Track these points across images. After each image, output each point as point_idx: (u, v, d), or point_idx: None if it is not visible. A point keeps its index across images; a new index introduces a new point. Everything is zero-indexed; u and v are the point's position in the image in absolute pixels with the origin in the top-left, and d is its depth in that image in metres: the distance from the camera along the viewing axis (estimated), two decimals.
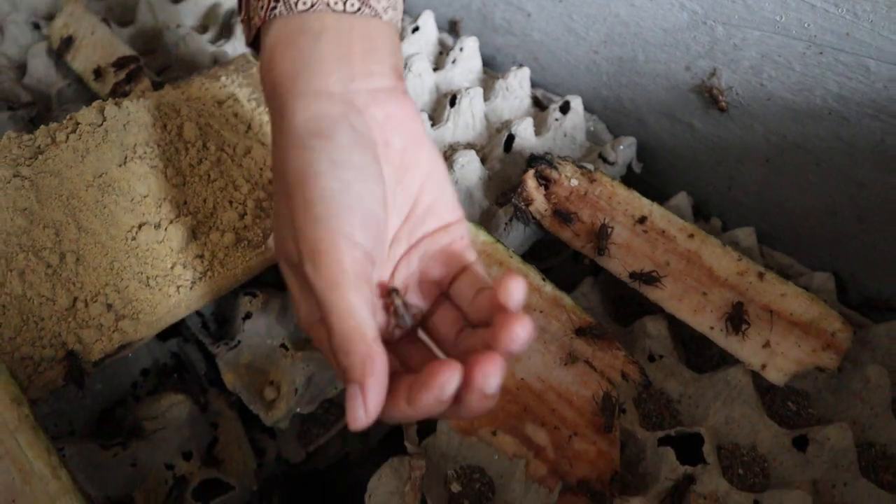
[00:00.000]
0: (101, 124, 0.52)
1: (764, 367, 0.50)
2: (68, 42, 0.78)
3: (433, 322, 0.39)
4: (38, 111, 0.78)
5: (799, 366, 0.50)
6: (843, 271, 0.65)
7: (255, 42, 0.41)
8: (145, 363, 0.57)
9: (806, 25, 0.58)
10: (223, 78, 0.65)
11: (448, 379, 0.30)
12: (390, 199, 0.37)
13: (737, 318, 0.52)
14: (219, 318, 0.59)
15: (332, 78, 0.37)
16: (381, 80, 0.38)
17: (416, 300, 0.39)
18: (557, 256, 0.65)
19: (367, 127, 0.37)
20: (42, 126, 0.53)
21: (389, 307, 0.37)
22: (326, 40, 0.37)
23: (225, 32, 0.83)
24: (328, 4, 0.37)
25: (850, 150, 0.60)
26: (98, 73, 0.73)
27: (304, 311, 0.37)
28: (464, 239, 0.40)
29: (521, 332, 0.32)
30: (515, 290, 0.33)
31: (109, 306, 0.49)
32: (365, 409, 0.32)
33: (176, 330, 0.58)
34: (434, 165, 0.39)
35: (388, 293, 0.37)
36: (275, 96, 0.38)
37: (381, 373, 0.32)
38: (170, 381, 0.56)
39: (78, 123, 0.52)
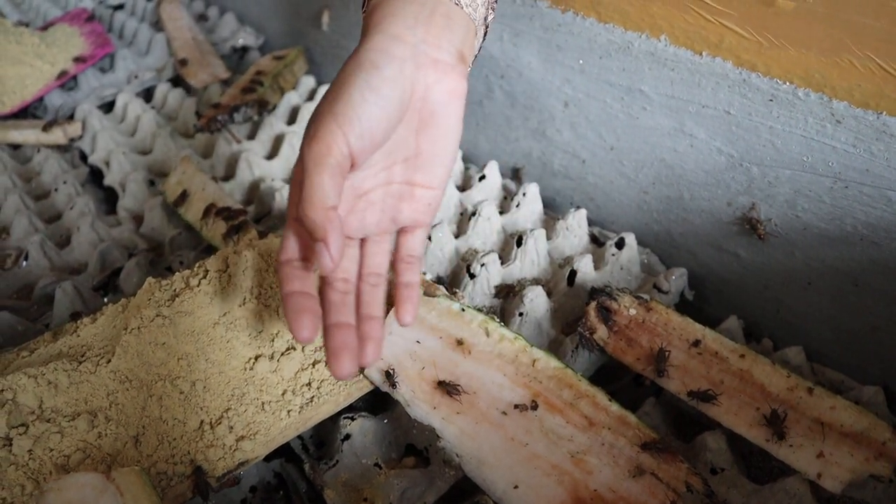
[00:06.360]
0: (226, 270, 0.62)
1: (819, 475, 0.54)
2: (183, 196, 0.90)
3: (366, 247, 0.54)
4: (153, 257, 0.89)
5: (853, 474, 0.54)
6: (893, 385, 0.69)
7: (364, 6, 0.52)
8: (253, 481, 0.64)
9: (830, 164, 0.65)
10: None
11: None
12: (402, 136, 0.49)
13: (775, 421, 0.57)
14: (316, 441, 0.66)
15: (409, 31, 0.46)
16: (446, 55, 0.48)
17: (371, 217, 0.52)
18: (621, 380, 0.70)
19: (414, 79, 0.46)
20: (177, 273, 0.63)
21: None
22: (418, 4, 0.47)
23: None
24: None
25: (883, 271, 0.66)
26: (207, 212, 0.84)
27: (297, 172, 0.47)
28: (431, 205, 0.52)
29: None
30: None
31: (231, 428, 0.56)
32: (330, 256, 0.42)
33: (279, 452, 0.65)
34: (449, 143, 0.50)
35: None
36: (365, 31, 0.48)
37: (338, 230, 0.42)
38: (276, 497, 0.63)
39: (207, 270, 0.62)
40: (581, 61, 0.82)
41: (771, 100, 0.67)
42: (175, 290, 0.61)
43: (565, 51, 0.83)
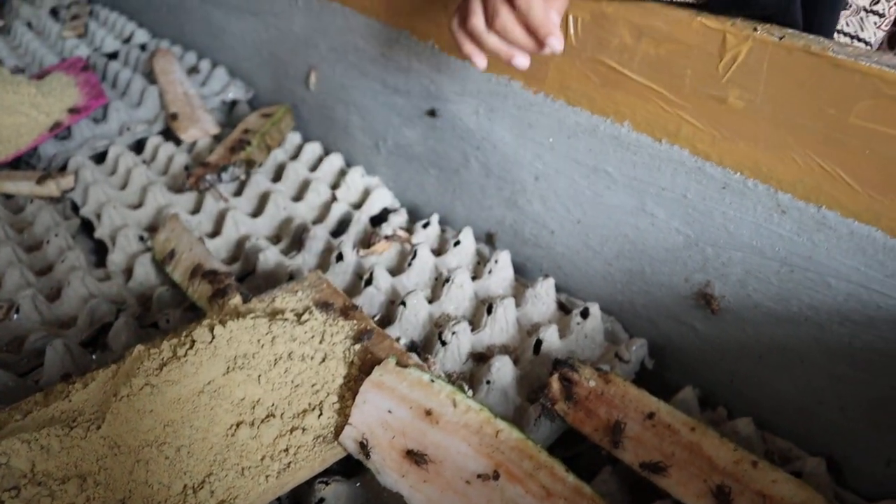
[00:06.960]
0: (211, 341, 0.66)
1: None
2: (171, 255, 0.94)
3: None
4: (140, 312, 0.93)
5: None
6: (836, 454, 0.74)
7: None
8: None
9: (777, 249, 0.71)
10: (299, 293, 0.79)
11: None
12: None
13: (721, 496, 0.61)
14: (292, 502, 0.69)
15: None
16: None
17: None
18: (581, 445, 0.75)
19: None
20: (165, 342, 0.67)
21: None
22: None
23: (295, 245, 0.99)
24: None
25: (826, 350, 0.71)
26: (193, 274, 0.88)
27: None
28: None
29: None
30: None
31: (212, 492, 0.60)
32: (559, 40, 0.66)
33: None
34: None
35: None
36: None
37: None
38: None
39: (194, 341, 0.66)
40: (551, 139, 0.87)
41: (724, 187, 0.73)
42: (163, 359, 0.65)
43: (536, 128, 0.88)
